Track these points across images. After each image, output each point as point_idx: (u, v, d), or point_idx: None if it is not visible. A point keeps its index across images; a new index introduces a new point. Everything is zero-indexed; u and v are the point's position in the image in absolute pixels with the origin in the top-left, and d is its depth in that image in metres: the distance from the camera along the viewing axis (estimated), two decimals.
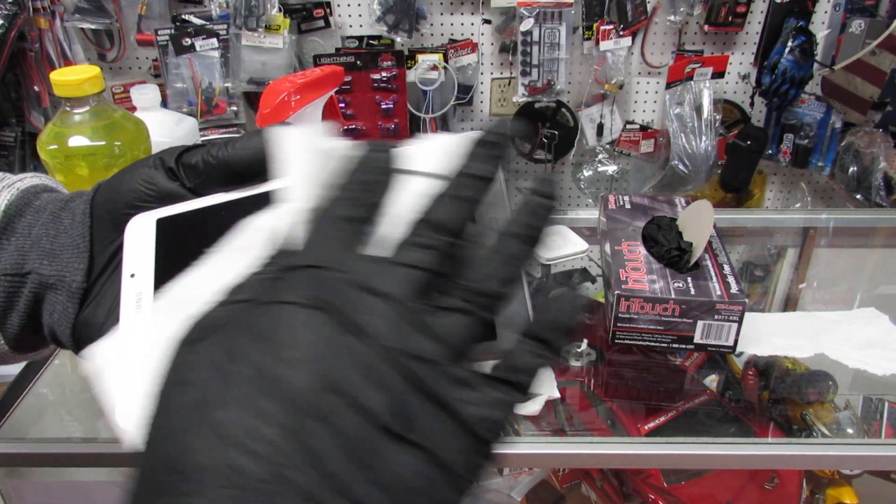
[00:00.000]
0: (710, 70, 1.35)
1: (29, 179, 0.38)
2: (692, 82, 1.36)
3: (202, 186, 0.35)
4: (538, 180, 0.27)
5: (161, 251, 0.34)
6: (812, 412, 0.72)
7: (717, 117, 1.38)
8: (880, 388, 0.73)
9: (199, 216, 0.35)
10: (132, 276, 0.33)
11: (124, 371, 0.29)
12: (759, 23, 1.37)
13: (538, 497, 0.97)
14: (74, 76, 0.65)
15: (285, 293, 0.23)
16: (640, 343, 0.70)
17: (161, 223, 0.34)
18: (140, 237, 0.34)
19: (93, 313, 0.35)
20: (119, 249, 0.35)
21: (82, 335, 0.35)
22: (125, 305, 0.32)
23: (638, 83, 1.45)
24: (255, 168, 0.34)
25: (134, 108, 0.82)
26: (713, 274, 0.70)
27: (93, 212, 0.35)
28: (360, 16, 1.37)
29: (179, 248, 0.34)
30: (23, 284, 0.35)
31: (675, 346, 0.69)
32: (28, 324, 0.36)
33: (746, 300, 0.67)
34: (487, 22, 1.37)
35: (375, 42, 1.37)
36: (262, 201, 0.33)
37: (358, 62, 1.32)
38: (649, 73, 1.44)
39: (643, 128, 1.45)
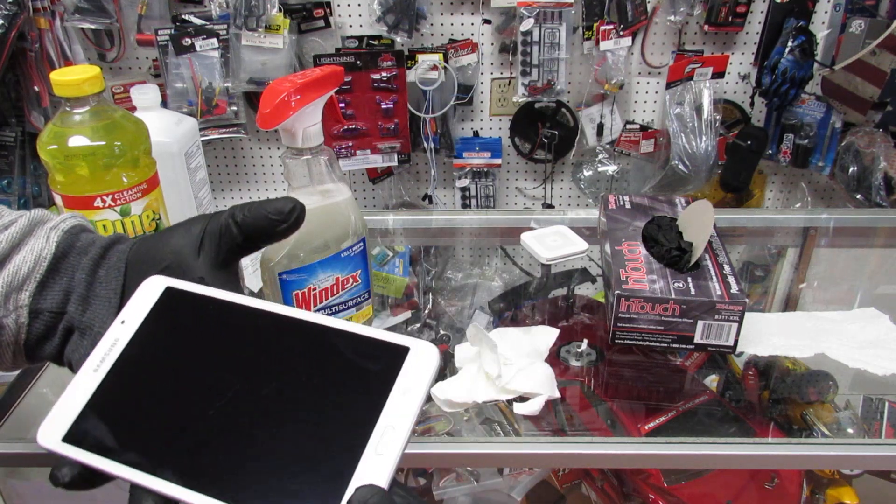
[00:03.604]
0: (710, 70, 1.35)
1: (70, 220, 0.41)
2: (692, 82, 1.36)
3: (224, 263, 0.39)
4: None
5: (154, 313, 0.37)
6: (812, 412, 0.72)
7: (717, 117, 1.38)
8: (880, 388, 0.73)
9: (202, 302, 0.37)
10: (122, 322, 0.36)
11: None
12: (759, 23, 1.37)
13: (538, 497, 0.97)
14: (74, 76, 0.65)
15: None
16: (641, 343, 0.70)
17: (169, 291, 0.37)
18: (146, 295, 0.37)
19: None
20: None
21: None
22: (100, 346, 0.36)
23: (638, 83, 1.45)
24: (263, 235, 0.38)
25: (134, 108, 0.82)
26: (713, 274, 0.70)
27: (127, 268, 0.39)
28: (360, 16, 1.37)
29: (170, 318, 0.37)
30: (59, 320, 0.39)
31: (675, 346, 0.69)
32: (55, 352, 0.40)
33: (746, 300, 0.67)
34: (487, 22, 1.38)
35: (375, 42, 1.37)
36: (261, 317, 0.36)
37: (358, 62, 1.32)
38: (649, 73, 1.44)
39: (643, 128, 1.45)
